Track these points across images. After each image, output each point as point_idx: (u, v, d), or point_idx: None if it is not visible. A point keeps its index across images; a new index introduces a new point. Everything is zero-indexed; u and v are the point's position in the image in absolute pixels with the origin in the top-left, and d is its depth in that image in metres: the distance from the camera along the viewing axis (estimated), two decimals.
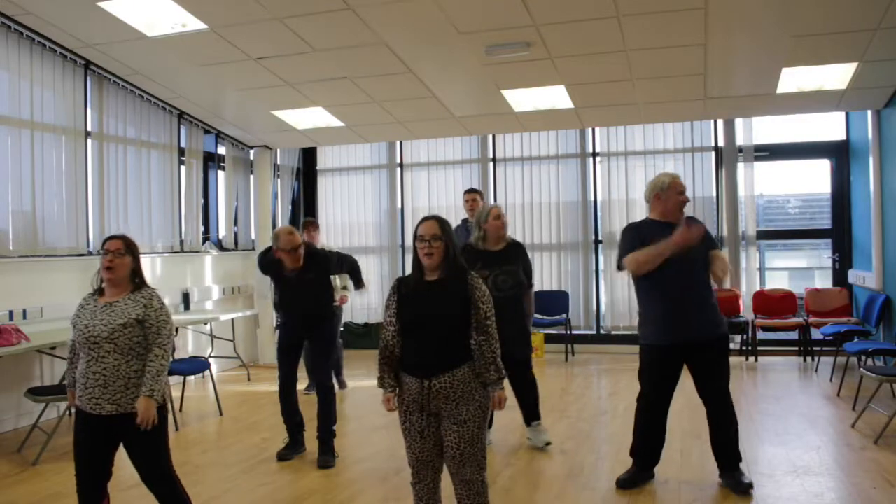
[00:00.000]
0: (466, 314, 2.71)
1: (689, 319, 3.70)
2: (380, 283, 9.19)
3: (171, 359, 2.99)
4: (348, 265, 4.85)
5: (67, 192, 6.03)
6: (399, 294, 2.80)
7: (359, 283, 5.18)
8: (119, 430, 2.83)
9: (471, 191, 6.21)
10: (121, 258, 2.89)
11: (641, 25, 5.08)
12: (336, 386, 6.53)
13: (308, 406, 4.69)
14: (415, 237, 2.78)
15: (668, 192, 3.81)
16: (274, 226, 8.58)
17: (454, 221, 8.88)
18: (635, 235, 3.81)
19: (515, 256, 4.58)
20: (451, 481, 2.77)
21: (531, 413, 4.71)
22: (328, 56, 5.74)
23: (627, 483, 3.87)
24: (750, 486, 3.70)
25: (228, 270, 8.11)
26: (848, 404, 5.49)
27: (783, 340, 7.91)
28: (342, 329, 9.01)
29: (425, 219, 2.80)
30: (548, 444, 4.59)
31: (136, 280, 2.95)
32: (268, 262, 4.59)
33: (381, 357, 2.81)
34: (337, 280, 6.49)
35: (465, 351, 2.73)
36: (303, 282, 4.46)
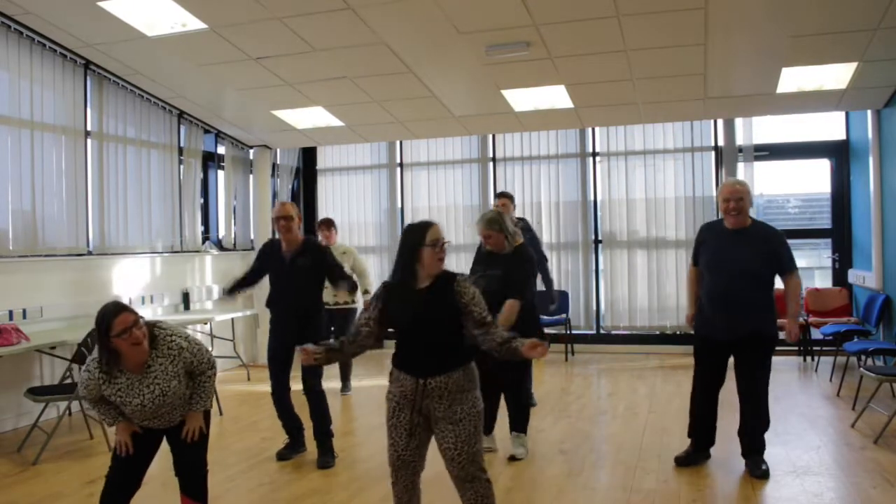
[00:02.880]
0: (457, 319, 2.71)
1: (729, 322, 3.97)
2: (379, 282, 9.14)
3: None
4: (339, 278, 4.58)
5: (67, 192, 6.03)
6: (385, 301, 2.81)
7: (350, 285, 4.73)
8: (174, 434, 2.99)
9: (500, 195, 6.11)
10: (140, 330, 2.75)
11: (641, 25, 5.08)
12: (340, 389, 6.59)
13: (304, 407, 4.67)
14: (418, 243, 2.73)
15: (720, 202, 4.08)
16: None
17: (454, 221, 8.96)
18: (697, 241, 4.25)
19: (505, 263, 4.32)
20: (455, 487, 2.75)
21: (516, 421, 4.51)
22: (328, 56, 5.74)
23: (684, 461, 4.16)
24: (766, 472, 3.94)
25: (228, 270, 8.09)
26: (848, 404, 5.50)
27: (783, 340, 7.89)
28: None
29: (430, 224, 2.78)
30: (515, 457, 4.37)
31: (151, 336, 2.85)
32: (270, 243, 4.63)
33: (346, 336, 2.88)
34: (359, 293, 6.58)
35: (460, 355, 2.74)
36: (296, 267, 4.39)
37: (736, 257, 3.93)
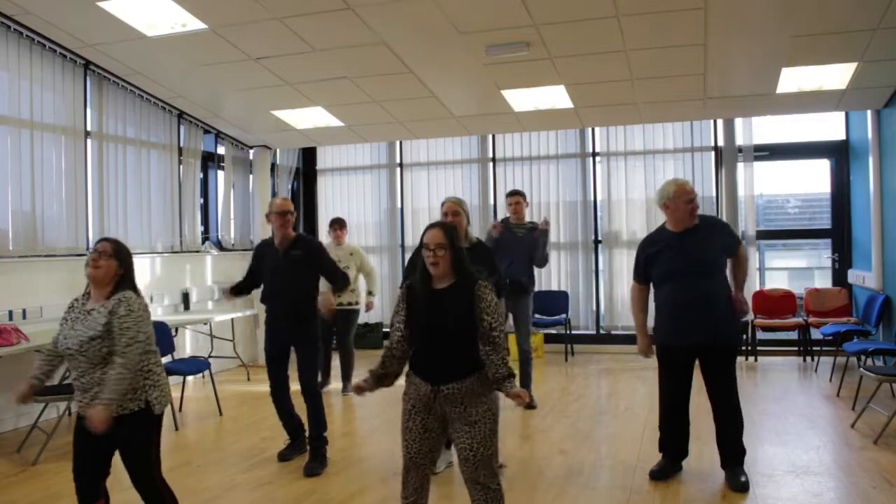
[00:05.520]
0: (473, 325, 2.68)
1: (692, 324, 3.82)
2: (379, 282, 9.15)
3: (153, 362, 2.88)
4: (334, 272, 4.52)
5: (67, 192, 6.02)
6: (408, 301, 2.79)
7: (336, 287, 4.62)
8: (111, 432, 2.78)
9: (512, 193, 6.07)
10: (106, 260, 2.84)
11: (641, 25, 5.08)
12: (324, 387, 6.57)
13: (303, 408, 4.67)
14: (420, 245, 2.75)
15: (675, 202, 3.85)
16: None
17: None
18: (640, 255, 4.06)
19: (476, 260, 3.84)
20: (466, 487, 2.74)
21: None
22: (328, 56, 5.74)
23: (658, 475, 3.98)
24: (745, 484, 3.77)
25: (228, 270, 8.10)
26: (848, 404, 5.50)
27: (783, 340, 7.91)
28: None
29: (430, 227, 2.78)
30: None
31: (121, 286, 2.86)
32: (264, 242, 4.62)
33: (382, 355, 2.82)
34: (359, 284, 6.76)
35: (475, 361, 2.69)
36: (289, 258, 4.38)
37: (696, 256, 3.81)
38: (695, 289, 3.80)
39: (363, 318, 9.13)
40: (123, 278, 2.89)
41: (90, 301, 2.88)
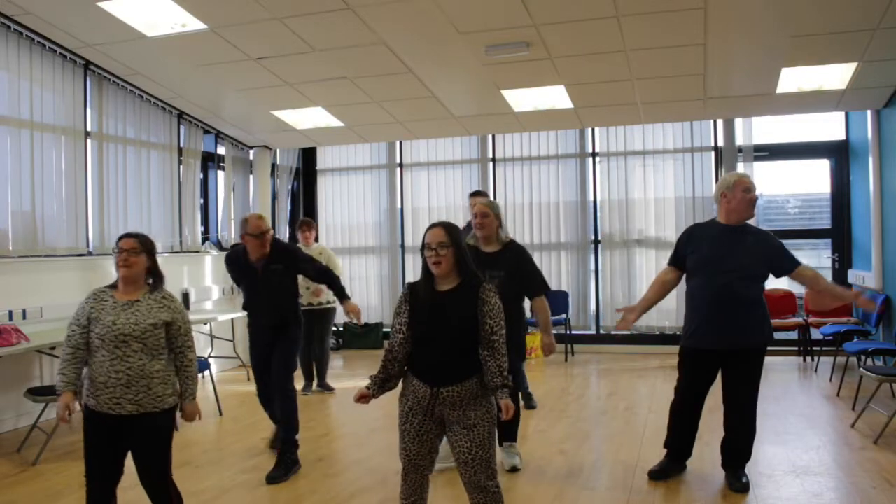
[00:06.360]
0: (476, 328, 2.66)
1: (727, 322, 3.71)
2: (379, 282, 9.20)
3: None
4: (315, 270, 4.55)
5: (67, 192, 6.03)
6: (410, 302, 2.77)
7: (341, 295, 4.58)
8: (132, 430, 2.81)
9: (475, 194, 6.02)
10: (136, 256, 2.91)
11: (641, 25, 5.08)
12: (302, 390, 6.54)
13: (303, 409, 4.66)
14: (423, 245, 2.73)
15: (733, 191, 3.76)
16: (273, 225, 8.58)
17: (454, 222, 8.98)
18: (683, 237, 3.97)
19: (507, 262, 4.02)
20: (465, 490, 2.74)
21: (506, 432, 4.22)
22: (328, 56, 5.74)
23: (658, 474, 3.95)
24: (746, 485, 3.74)
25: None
26: (848, 404, 5.50)
27: (783, 340, 7.91)
28: (339, 329, 9.07)
29: (432, 226, 2.76)
30: (514, 468, 4.16)
31: (153, 280, 2.98)
32: (235, 253, 4.53)
33: (383, 359, 2.79)
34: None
35: (475, 364, 2.68)
36: (268, 273, 4.31)
37: (738, 255, 3.70)
38: (730, 285, 3.67)
39: (363, 318, 9.12)
40: (151, 270, 2.99)
41: (121, 294, 2.92)
